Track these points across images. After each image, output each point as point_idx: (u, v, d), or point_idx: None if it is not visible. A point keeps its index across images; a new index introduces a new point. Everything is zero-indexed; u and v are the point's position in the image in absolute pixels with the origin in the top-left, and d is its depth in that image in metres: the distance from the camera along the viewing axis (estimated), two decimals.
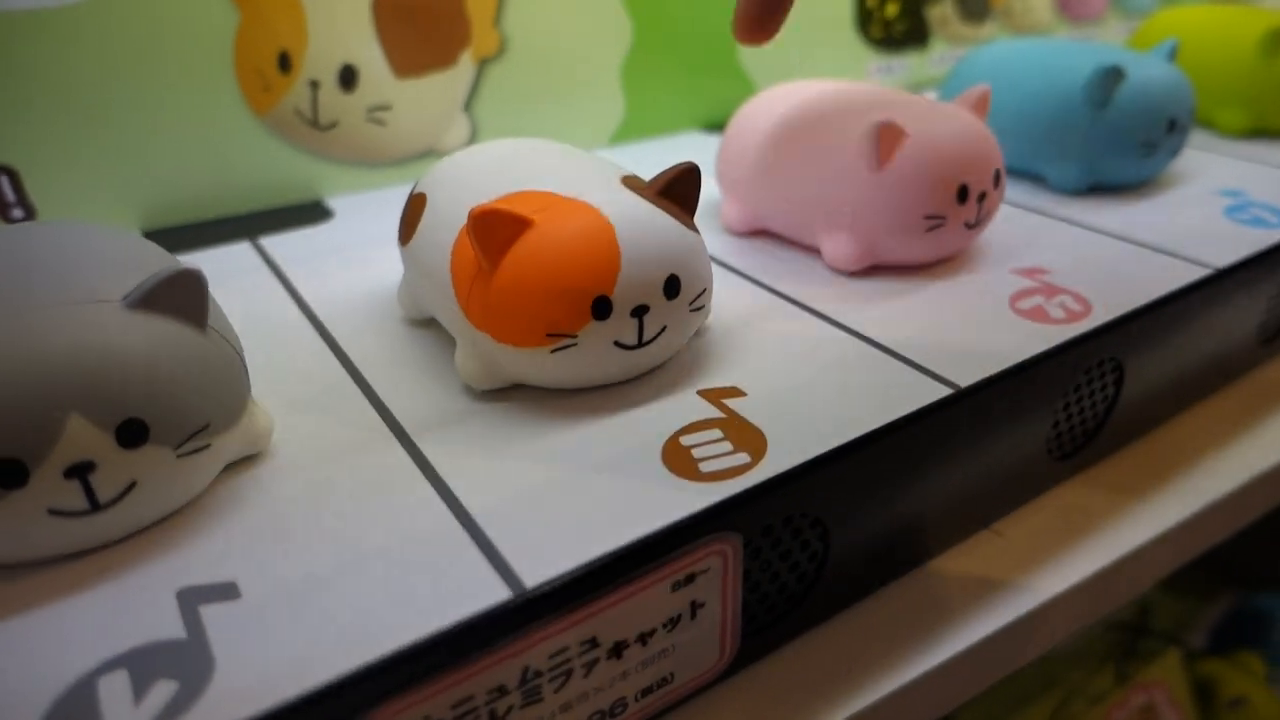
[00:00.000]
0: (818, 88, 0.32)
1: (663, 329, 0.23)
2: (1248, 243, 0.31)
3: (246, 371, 0.21)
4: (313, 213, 0.37)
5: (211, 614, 0.17)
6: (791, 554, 0.22)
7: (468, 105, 0.40)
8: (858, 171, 0.28)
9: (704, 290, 0.23)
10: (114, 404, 0.17)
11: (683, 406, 0.23)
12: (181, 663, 0.16)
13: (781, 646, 0.23)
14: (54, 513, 0.17)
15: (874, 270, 0.30)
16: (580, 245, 0.21)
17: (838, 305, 0.28)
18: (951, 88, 0.40)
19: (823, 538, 0.22)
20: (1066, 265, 0.30)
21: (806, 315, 0.27)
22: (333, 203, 0.38)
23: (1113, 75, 0.34)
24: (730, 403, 0.23)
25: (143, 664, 0.16)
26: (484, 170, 0.25)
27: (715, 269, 0.30)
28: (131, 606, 0.17)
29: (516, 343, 0.22)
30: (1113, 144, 0.35)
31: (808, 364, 0.24)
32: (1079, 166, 0.36)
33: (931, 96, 0.38)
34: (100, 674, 0.16)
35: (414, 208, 0.26)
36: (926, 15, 0.53)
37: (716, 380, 0.24)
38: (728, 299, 0.28)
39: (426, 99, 0.39)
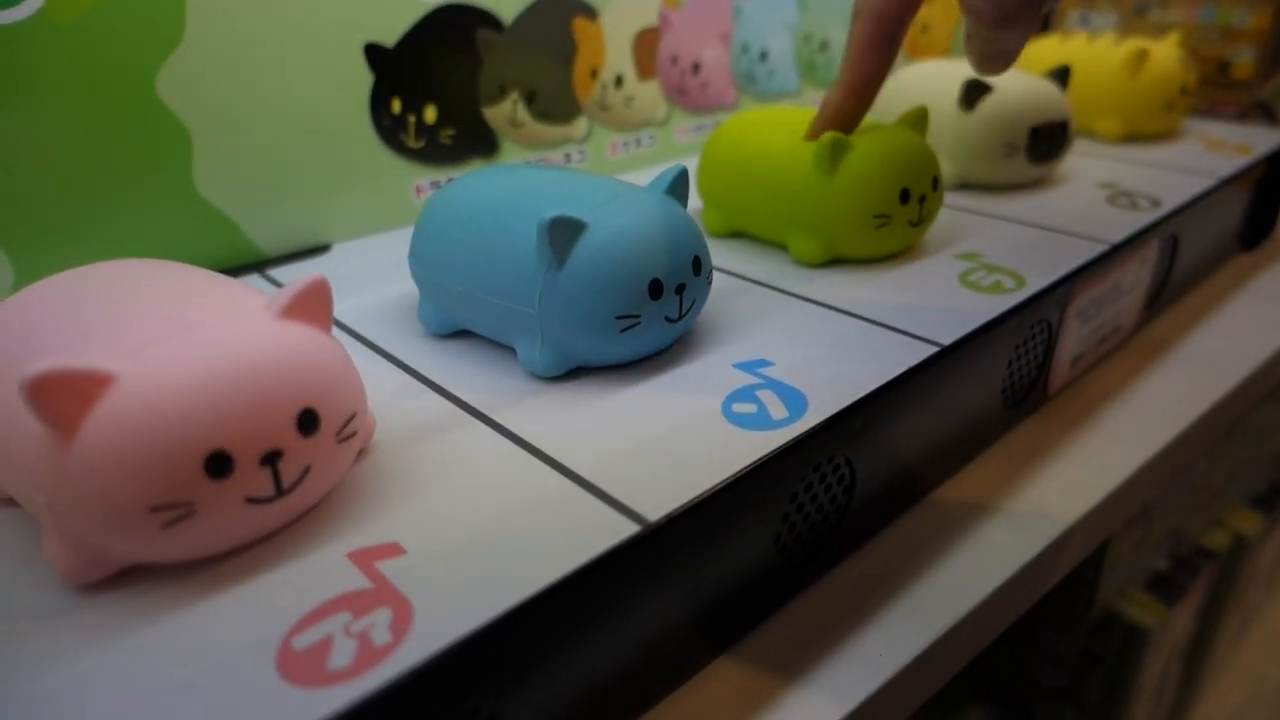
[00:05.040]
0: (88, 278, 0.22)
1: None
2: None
3: None
4: None
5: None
6: None
7: None
8: (42, 444, 0.18)
9: None
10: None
11: None
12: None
13: None
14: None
15: None
16: None
17: None
18: (419, 241, 0.30)
19: None
20: None
21: None
22: None
23: (562, 230, 0.26)
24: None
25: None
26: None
27: None
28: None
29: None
30: (575, 318, 0.26)
31: None
32: (547, 344, 0.27)
33: None
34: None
35: None
36: (487, 115, 0.44)
37: None
38: None
39: None
